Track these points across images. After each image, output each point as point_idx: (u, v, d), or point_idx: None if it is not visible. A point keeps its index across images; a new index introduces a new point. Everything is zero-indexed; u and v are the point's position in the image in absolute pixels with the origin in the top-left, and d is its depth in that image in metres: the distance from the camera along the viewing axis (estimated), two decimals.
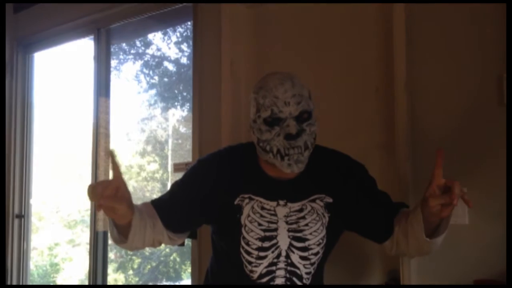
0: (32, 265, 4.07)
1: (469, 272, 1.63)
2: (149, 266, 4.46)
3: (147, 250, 4.41)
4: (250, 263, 1.45)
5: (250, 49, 2.32)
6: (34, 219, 3.73)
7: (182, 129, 4.22)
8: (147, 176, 4.51)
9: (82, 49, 3.40)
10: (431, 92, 1.77)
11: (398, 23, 1.84)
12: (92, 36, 3.06)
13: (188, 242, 2.46)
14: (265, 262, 1.45)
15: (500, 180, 1.60)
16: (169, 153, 4.33)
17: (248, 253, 1.45)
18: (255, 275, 1.45)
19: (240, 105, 2.27)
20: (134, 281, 4.50)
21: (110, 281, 4.16)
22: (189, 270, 2.39)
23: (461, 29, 1.72)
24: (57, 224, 4.91)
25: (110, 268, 4.22)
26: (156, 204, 1.52)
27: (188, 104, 4.06)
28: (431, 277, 1.73)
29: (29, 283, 3.39)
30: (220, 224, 1.52)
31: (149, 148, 4.55)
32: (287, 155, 1.39)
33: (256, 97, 1.43)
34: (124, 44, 4.16)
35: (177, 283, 4.25)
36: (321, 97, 1.96)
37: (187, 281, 2.42)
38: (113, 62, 3.84)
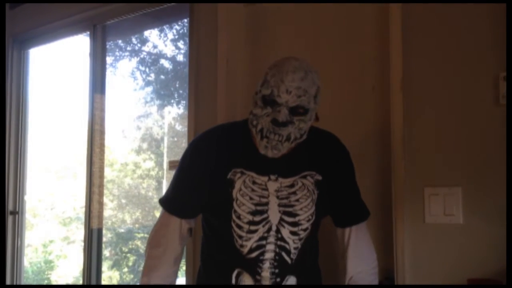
0: (26, 262, 4.05)
1: (463, 271, 1.63)
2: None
3: (142, 248, 4.40)
4: (240, 237, 1.47)
5: (246, 48, 2.32)
6: (28, 216, 3.72)
7: (178, 127, 4.21)
8: (143, 174, 4.50)
9: (78, 45, 3.39)
10: (427, 91, 1.77)
11: (394, 22, 1.84)
12: (88, 33, 3.05)
13: None
14: (256, 236, 1.47)
15: (495, 179, 1.61)
16: (165, 150, 4.32)
17: (239, 227, 1.47)
18: (245, 250, 1.47)
19: (235, 103, 2.26)
20: (129, 278, 4.49)
21: (105, 278, 4.16)
22: (184, 268, 2.39)
23: (457, 29, 1.73)
24: (52, 221, 4.90)
25: (105, 266, 4.21)
26: (168, 206, 1.59)
27: (184, 102, 4.04)
28: (425, 276, 1.73)
29: (23, 280, 3.38)
30: (212, 198, 1.54)
31: (144, 145, 4.53)
32: (267, 138, 1.44)
33: (267, 72, 1.47)
34: (120, 41, 4.14)
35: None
36: None
37: (182, 279, 2.42)
38: (109, 59, 3.81)
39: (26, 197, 3.38)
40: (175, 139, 4.20)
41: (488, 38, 1.66)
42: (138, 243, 4.45)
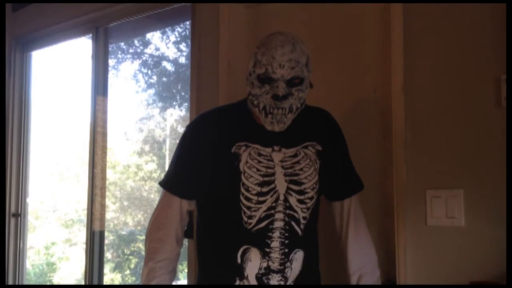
0: (28, 264, 4.06)
1: (465, 274, 1.63)
2: None
3: (144, 250, 4.40)
4: (249, 208, 1.49)
5: (248, 49, 2.32)
6: (30, 218, 3.72)
7: (180, 129, 4.22)
8: (145, 176, 4.50)
9: (80, 48, 3.40)
10: (429, 94, 1.77)
11: (396, 24, 1.83)
12: (90, 35, 3.05)
13: (184, 242, 2.46)
14: (264, 207, 1.49)
15: (497, 182, 1.60)
16: (167, 153, 4.32)
17: (248, 199, 1.49)
18: (254, 221, 1.49)
19: None
20: (131, 280, 4.49)
21: (107, 281, 4.16)
22: (186, 270, 2.39)
23: (459, 32, 1.72)
24: (54, 223, 4.90)
25: (107, 268, 4.21)
26: (170, 187, 1.60)
27: (186, 104, 4.05)
28: (426, 278, 1.72)
29: (26, 282, 3.38)
30: (218, 175, 1.55)
31: (147, 147, 4.54)
32: (271, 114, 1.48)
33: (256, 52, 1.50)
34: (122, 43, 4.15)
35: (173, 283, 4.25)
36: (318, 98, 1.95)
37: (184, 282, 2.42)
38: (111, 61, 3.83)
39: (28, 199, 3.39)
40: (177, 141, 4.21)
41: (489, 40, 1.65)
42: (140, 245, 4.44)
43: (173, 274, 1.60)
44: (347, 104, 2.02)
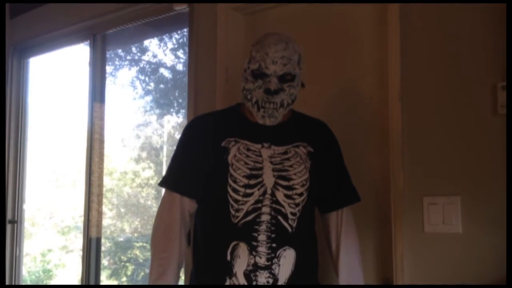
0: (24, 271, 4.04)
1: (462, 281, 1.63)
2: (142, 273, 4.43)
3: (141, 257, 4.39)
4: (237, 201, 1.52)
5: (246, 56, 2.32)
6: (27, 225, 3.71)
7: (177, 136, 4.21)
8: (142, 183, 4.49)
9: (78, 54, 3.40)
10: (426, 101, 1.77)
11: (392, 28, 1.84)
12: (87, 42, 3.06)
13: None
14: (252, 200, 1.52)
15: (494, 188, 1.61)
16: (164, 159, 4.32)
17: (235, 191, 1.52)
18: (241, 214, 1.51)
19: None
20: None
21: None
22: (183, 277, 2.38)
23: (456, 39, 1.73)
24: (50, 230, 4.88)
25: (103, 275, 4.19)
26: (169, 184, 1.65)
27: (183, 111, 4.05)
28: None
29: None
30: (209, 170, 1.59)
31: (144, 154, 4.53)
32: (263, 108, 1.55)
33: (251, 49, 1.59)
34: (120, 50, 4.16)
35: None
36: (315, 104, 1.96)
37: None
38: (109, 68, 3.82)
39: (25, 206, 3.37)
40: (174, 148, 4.21)
41: (486, 47, 1.66)
42: (137, 252, 4.43)
43: (177, 278, 1.63)
44: (344, 111, 2.03)
